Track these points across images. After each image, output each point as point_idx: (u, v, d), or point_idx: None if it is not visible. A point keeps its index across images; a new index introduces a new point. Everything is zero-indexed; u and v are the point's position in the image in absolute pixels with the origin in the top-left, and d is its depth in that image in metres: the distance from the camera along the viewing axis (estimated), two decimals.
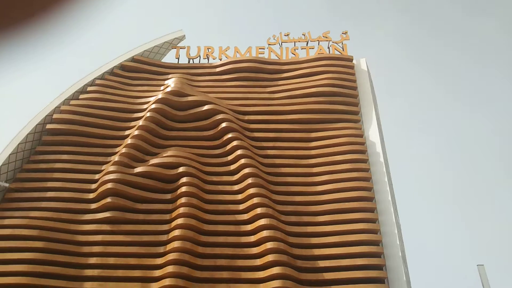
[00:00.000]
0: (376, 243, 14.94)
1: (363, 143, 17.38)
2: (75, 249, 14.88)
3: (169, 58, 21.83)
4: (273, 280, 13.78)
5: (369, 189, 16.12)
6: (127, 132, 17.74)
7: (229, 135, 17.26)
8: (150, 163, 16.64)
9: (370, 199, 15.93)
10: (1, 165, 16.22)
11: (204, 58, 21.19)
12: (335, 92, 18.73)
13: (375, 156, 17.04)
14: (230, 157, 17.02)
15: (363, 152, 17.14)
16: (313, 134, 17.72)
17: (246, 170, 16.22)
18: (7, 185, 16.21)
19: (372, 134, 17.72)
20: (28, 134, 17.16)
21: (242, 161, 16.48)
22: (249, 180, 15.97)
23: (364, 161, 16.91)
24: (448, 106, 49.00)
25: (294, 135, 17.76)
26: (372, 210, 15.67)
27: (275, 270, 13.87)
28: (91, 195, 15.98)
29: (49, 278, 14.17)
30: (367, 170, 16.65)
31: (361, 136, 17.64)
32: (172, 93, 18.35)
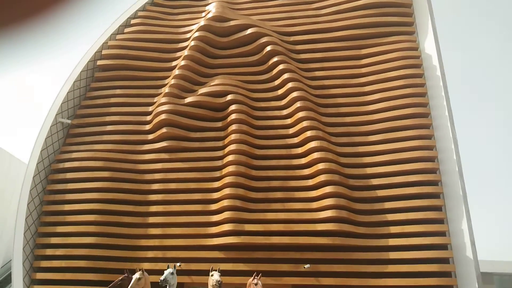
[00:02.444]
0: (431, 159, 14.63)
1: (418, 57, 16.28)
2: (138, 177, 16.00)
3: None
4: (326, 198, 14.18)
5: (424, 105, 15.43)
6: (174, 63, 17.85)
7: (275, 59, 16.83)
8: (199, 93, 16.84)
9: (426, 115, 15.31)
10: (62, 103, 17.18)
11: None
12: (386, 3, 17.27)
13: (431, 69, 16.01)
14: (277, 82, 16.77)
15: (418, 66, 16.14)
16: (364, 51, 16.80)
17: (294, 94, 15.99)
18: (69, 121, 17.28)
19: (428, 46, 16.47)
20: (81, 71, 17.79)
21: (290, 85, 16.20)
22: (298, 104, 15.79)
23: (420, 75, 15.99)
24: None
25: (343, 53, 16.95)
26: (427, 126, 15.13)
27: (328, 189, 14.18)
28: (147, 127, 16.71)
29: (118, 204, 15.53)
30: (422, 85, 15.79)
31: (416, 49, 16.49)
32: (214, 18, 17.87)
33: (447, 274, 13.32)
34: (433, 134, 15.01)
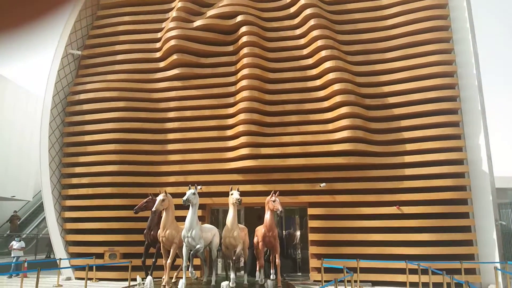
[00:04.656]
0: (450, 74, 14.19)
1: None
2: (153, 105, 16.07)
3: None
4: (342, 119, 14.13)
5: (444, 17, 14.60)
6: None
7: None
8: (207, 15, 16.21)
9: (446, 28, 14.55)
10: (70, 34, 16.84)
11: None
12: None
13: None
14: None
15: None
16: None
17: (308, 11, 15.25)
18: (79, 52, 17.06)
19: None
20: None
21: (303, 1, 15.40)
22: (312, 22, 15.13)
23: None
24: None
25: None
26: (447, 40, 14.46)
27: (343, 109, 14.07)
28: (158, 54, 16.40)
29: (136, 133, 15.79)
30: None
31: None
32: None
33: (462, 188, 13.56)
34: (453, 48, 14.41)
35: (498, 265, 12.28)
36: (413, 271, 12.29)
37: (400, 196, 13.69)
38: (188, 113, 15.69)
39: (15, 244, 16.85)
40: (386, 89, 14.54)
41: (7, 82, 24.30)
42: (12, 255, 16.76)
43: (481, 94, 14.06)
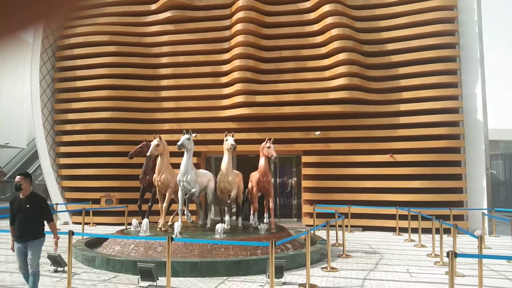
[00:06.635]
0: (451, 20, 13.78)
1: None
2: (145, 50, 15.61)
3: None
4: (339, 66, 13.86)
5: None
6: None
7: None
8: None
9: None
10: None
11: None
12: None
13: None
14: None
15: None
16: None
17: None
18: None
19: None
20: None
21: None
22: None
23: None
24: None
25: None
26: None
27: (341, 56, 13.77)
28: None
29: (128, 78, 15.46)
30: None
31: None
32: None
33: (455, 137, 13.63)
34: None
35: (486, 212, 12.62)
36: (403, 217, 12.62)
37: (394, 144, 13.76)
38: (181, 59, 15.30)
39: None
40: (385, 35, 14.16)
41: None
42: None
43: (481, 41, 13.75)
